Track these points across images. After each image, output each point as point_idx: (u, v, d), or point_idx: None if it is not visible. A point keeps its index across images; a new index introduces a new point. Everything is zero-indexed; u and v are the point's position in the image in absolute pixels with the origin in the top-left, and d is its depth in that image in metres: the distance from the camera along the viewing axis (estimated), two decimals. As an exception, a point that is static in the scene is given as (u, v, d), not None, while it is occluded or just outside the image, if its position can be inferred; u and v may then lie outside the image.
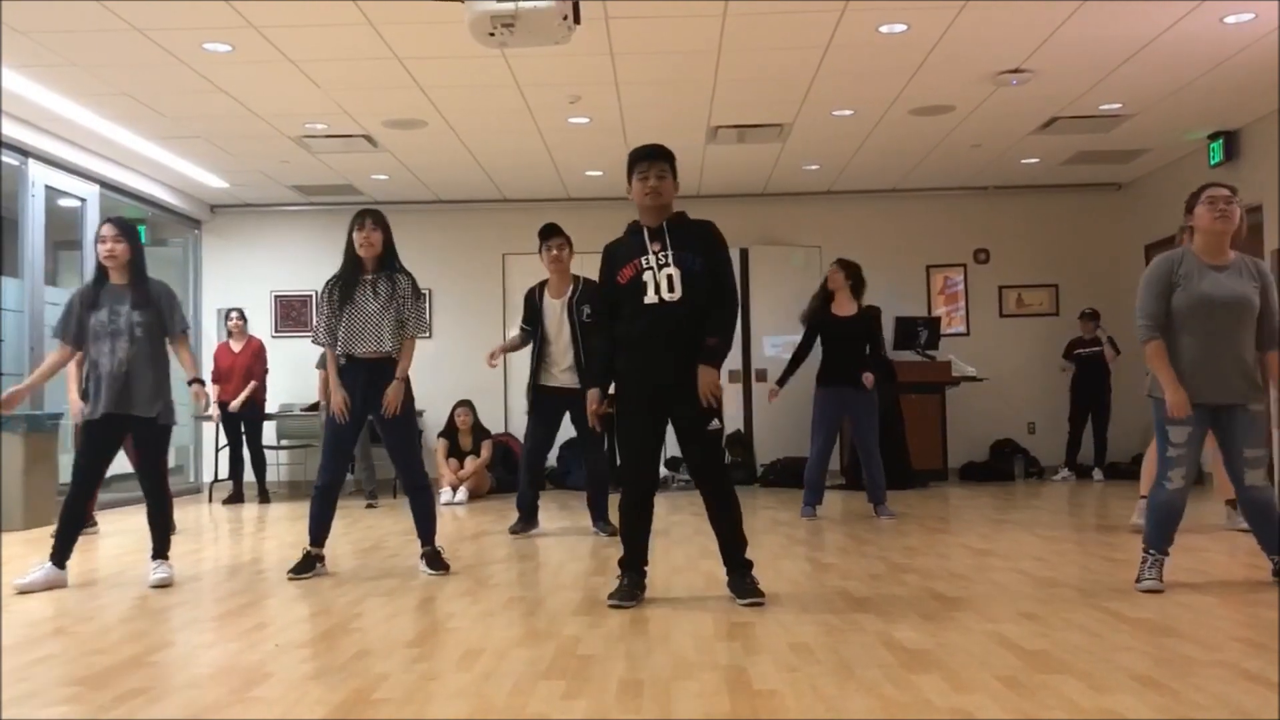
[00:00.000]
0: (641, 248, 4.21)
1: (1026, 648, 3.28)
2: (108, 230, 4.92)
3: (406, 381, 5.03)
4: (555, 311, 6.37)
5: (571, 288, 6.37)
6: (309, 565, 4.99)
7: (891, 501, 7.16)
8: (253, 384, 9.11)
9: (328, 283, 5.10)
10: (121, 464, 5.92)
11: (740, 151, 8.96)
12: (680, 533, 6.37)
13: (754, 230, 10.63)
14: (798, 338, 7.16)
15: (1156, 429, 4.28)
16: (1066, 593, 4.21)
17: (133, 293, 4.90)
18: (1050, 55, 6.69)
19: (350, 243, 5.03)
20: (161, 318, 4.94)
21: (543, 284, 6.51)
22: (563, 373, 6.36)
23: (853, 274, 7.02)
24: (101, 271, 4.95)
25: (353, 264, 5.04)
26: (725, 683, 2.95)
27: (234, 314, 9.35)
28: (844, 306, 7.00)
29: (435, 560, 5.05)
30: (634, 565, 4.23)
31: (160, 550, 4.95)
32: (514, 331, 6.70)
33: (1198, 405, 4.18)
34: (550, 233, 6.42)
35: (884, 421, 7.47)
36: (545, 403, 6.42)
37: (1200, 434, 4.22)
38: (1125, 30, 6.30)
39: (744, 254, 10.33)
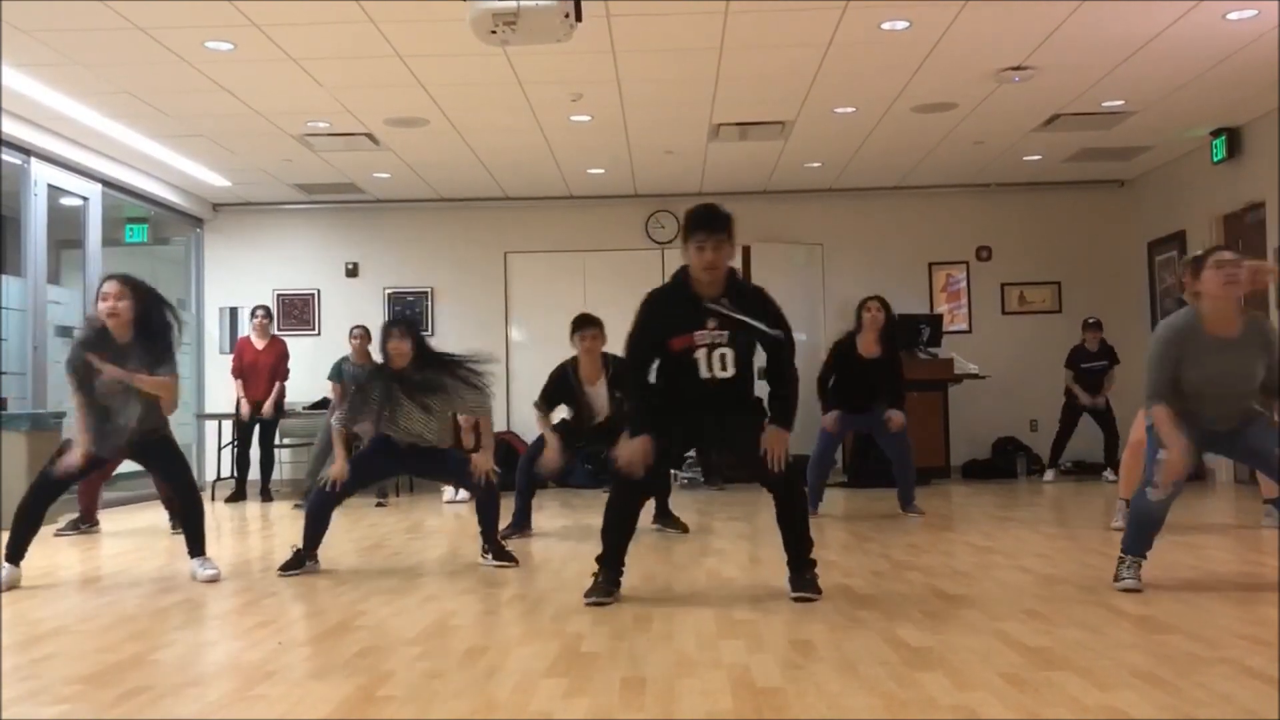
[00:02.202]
0: (697, 320, 4.12)
1: (1029, 645, 3.28)
2: (111, 287, 4.64)
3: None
4: (600, 397, 6.34)
5: (605, 370, 6.34)
6: (298, 563, 5.01)
7: (893, 499, 7.15)
8: (279, 385, 9.16)
9: (363, 378, 5.30)
10: (123, 464, 5.94)
11: (742, 149, 8.95)
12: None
13: (756, 228, 10.56)
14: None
15: (1149, 435, 4.22)
16: (1069, 590, 4.20)
17: (140, 352, 4.67)
18: (1052, 52, 6.68)
19: (385, 353, 5.14)
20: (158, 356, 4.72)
21: (574, 363, 6.39)
22: None
23: (889, 314, 6.90)
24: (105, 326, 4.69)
25: (386, 367, 5.17)
26: (728, 681, 2.95)
27: (260, 311, 9.36)
28: (870, 347, 6.85)
29: (500, 553, 5.16)
30: (613, 564, 4.24)
31: (197, 548, 4.94)
32: (547, 420, 6.35)
33: (1198, 428, 4.09)
34: (585, 323, 6.34)
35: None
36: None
37: (1195, 446, 4.12)
38: (1127, 27, 6.30)
39: (746, 252, 10.28)
